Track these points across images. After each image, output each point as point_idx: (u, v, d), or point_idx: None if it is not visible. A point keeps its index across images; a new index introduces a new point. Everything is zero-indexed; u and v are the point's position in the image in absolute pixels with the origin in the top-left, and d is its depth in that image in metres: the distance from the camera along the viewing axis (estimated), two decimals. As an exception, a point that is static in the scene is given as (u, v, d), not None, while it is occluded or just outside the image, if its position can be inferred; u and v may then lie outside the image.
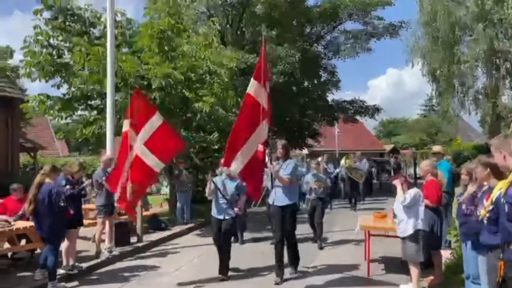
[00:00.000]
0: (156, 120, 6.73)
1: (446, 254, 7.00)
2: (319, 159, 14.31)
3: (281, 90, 17.87)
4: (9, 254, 7.81)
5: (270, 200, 6.82)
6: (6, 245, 7.44)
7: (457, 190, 6.67)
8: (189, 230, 11.43)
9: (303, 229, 9.47)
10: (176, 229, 11.23)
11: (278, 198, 6.57)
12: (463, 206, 5.00)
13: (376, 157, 27.40)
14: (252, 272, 7.37)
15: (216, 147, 13.77)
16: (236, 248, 8.32)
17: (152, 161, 6.71)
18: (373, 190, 19.51)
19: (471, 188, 4.96)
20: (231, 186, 7.04)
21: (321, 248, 9.02)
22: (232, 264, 7.14)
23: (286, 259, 6.87)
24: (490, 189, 4.00)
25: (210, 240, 8.03)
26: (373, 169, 20.49)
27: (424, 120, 59.10)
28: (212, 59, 11.81)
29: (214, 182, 6.94)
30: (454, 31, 16.75)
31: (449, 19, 16.38)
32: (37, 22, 11.08)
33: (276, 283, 6.37)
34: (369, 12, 20.99)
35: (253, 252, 9.07)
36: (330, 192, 14.63)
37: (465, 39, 17.48)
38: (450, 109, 18.65)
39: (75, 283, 6.91)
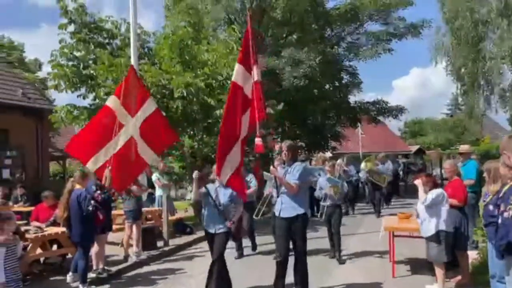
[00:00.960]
0: (148, 106, 6.12)
1: (472, 255, 6.92)
2: (339, 161, 13.23)
3: (302, 93, 17.93)
4: (42, 259, 7.93)
5: (276, 211, 5.73)
6: (39, 250, 7.51)
7: (484, 190, 6.57)
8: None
9: (317, 241, 8.97)
10: (201, 233, 11.30)
11: (284, 208, 5.45)
12: (490, 207, 4.95)
13: (400, 158, 26.94)
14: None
15: None
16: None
17: (142, 149, 6.05)
18: (400, 192, 19.08)
19: (495, 188, 4.91)
20: (224, 195, 5.82)
21: (341, 262, 7.89)
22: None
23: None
24: None
25: (233, 243, 8.02)
26: (400, 171, 20.05)
27: (450, 119, 58.11)
28: (232, 65, 11.94)
29: (206, 187, 5.85)
30: (477, 28, 16.38)
31: (472, 17, 16.02)
32: (63, 36, 11.47)
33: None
34: (390, 13, 20.72)
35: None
36: (353, 196, 14.26)
37: (489, 36, 17.05)
38: (475, 108, 18.26)
39: (106, 286, 7.03)
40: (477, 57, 16.75)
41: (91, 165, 5.76)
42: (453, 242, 6.26)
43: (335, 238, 8.02)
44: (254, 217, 8.87)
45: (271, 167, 5.64)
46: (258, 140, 5.06)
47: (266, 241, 9.41)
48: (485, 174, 5.37)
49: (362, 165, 14.45)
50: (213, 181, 6.18)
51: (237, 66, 5.38)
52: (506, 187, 4.07)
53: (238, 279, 6.33)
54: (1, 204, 6.85)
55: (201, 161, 12.58)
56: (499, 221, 4.37)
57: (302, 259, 5.59)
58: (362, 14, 20.55)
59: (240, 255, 8.67)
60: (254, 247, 9.13)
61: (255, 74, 5.33)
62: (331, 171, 8.55)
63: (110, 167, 5.59)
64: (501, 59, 16.33)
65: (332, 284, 6.75)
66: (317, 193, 8.44)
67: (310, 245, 7.47)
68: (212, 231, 5.74)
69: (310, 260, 6.75)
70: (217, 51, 12.09)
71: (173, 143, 7.69)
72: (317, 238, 9.40)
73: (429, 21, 19.72)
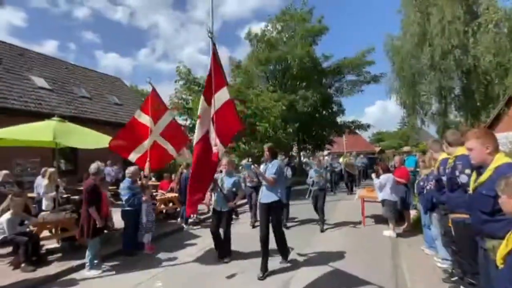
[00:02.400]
0: (167, 117, 5.51)
1: (413, 213, 6.61)
2: (324, 157, 12.54)
3: (310, 116, 17.97)
4: (164, 211, 7.92)
5: (259, 198, 4.53)
6: (162, 206, 7.67)
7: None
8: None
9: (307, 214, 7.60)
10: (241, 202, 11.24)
11: (264, 196, 4.32)
12: (421, 183, 4.78)
13: (369, 155, 26.03)
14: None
15: None
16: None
17: (168, 147, 5.54)
18: (368, 176, 18.19)
19: (425, 172, 4.71)
20: (228, 183, 4.84)
21: (322, 231, 6.30)
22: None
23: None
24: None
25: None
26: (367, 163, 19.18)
27: (400, 131, 56.20)
28: (267, 100, 12.06)
29: (215, 179, 4.70)
30: (415, 76, 16.21)
31: (411, 70, 15.98)
32: (176, 86, 11.99)
33: (259, 278, 4.05)
34: (361, 69, 20.35)
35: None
36: (337, 180, 13.28)
37: (422, 81, 16.90)
38: (415, 124, 17.87)
39: (198, 226, 7.14)
40: (415, 94, 16.34)
41: (132, 157, 5.30)
42: (400, 205, 6.05)
43: (320, 213, 6.50)
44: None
45: (254, 166, 4.54)
46: (215, 149, 3.47)
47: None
48: (420, 163, 5.14)
49: (341, 159, 14.10)
50: (221, 171, 5.16)
51: (202, 98, 3.74)
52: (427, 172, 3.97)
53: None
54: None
55: (249, 158, 12.48)
56: (424, 191, 4.23)
57: (279, 231, 4.39)
58: (344, 70, 20.31)
59: (254, 222, 7.07)
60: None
61: (227, 93, 3.82)
62: (318, 165, 6.97)
63: (148, 159, 5.22)
64: (430, 95, 16.06)
65: (326, 233, 6.57)
66: (308, 181, 6.82)
67: (305, 215, 7.25)
68: (218, 209, 4.77)
69: (304, 227, 6.73)
70: (259, 94, 12.23)
71: (185, 144, 6.70)
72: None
73: (384, 74, 19.56)
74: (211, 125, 3.61)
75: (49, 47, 78.04)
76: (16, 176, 8.40)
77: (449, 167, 2.95)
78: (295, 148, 19.94)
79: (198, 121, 3.74)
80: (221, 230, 4.81)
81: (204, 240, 5.93)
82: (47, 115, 7.32)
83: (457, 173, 2.78)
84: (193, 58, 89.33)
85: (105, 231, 4.94)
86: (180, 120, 12.18)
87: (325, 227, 6.54)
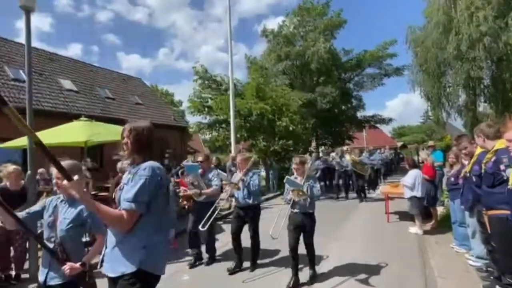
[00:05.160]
0: None
1: (440, 209, 6.36)
2: (329, 153, 10.40)
3: (329, 112, 17.59)
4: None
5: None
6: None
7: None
8: (277, 195, 11.13)
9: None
10: (270, 194, 11.38)
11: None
12: (452, 179, 4.57)
13: (389, 150, 25.17)
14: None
15: (291, 148, 12.90)
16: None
17: None
18: (392, 171, 16.54)
19: (456, 167, 4.50)
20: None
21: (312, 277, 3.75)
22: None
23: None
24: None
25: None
26: (391, 158, 17.50)
27: (423, 125, 54.23)
28: (285, 97, 11.97)
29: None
30: (440, 67, 15.40)
31: (436, 61, 15.28)
32: (194, 85, 12.15)
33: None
34: (382, 61, 19.77)
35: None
36: (347, 183, 9.97)
37: (448, 72, 16.19)
38: (440, 118, 17.10)
39: (221, 222, 7.08)
40: (440, 86, 15.67)
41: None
42: (429, 201, 5.84)
43: (309, 250, 3.75)
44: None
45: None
46: None
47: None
48: (450, 158, 4.91)
49: (347, 157, 9.71)
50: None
51: None
52: (469, 166, 3.74)
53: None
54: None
55: (269, 154, 12.46)
56: (461, 188, 4.00)
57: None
58: (363, 64, 19.71)
59: None
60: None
61: None
62: (298, 170, 3.91)
63: None
64: (457, 87, 15.22)
65: (348, 227, 6.45)
66: (284, 197, 4.02)
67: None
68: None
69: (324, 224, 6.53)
70: (276, 91, 12.15)
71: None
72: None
73: (407, 66, 18.85)
74: None
75: (74, 50, 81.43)
76: (50, 174, 8.85)
77: (487, 161, 2.79)
78: (313, 144, 19.70)
79: None
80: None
81: (227, 235, 6.00)
82: (75, 116, 7.71)
83: (502, 167, 2.63)
84: (211, 55, 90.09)
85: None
86: (200, 118, 12.36)
87: (347, 224, 6.41)
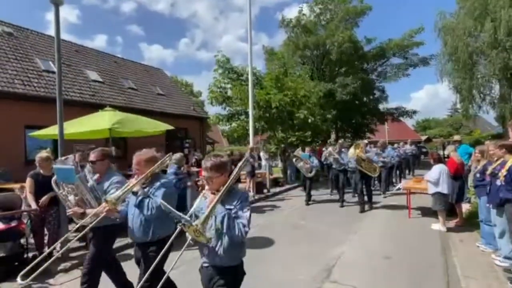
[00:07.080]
0: None
1: (466, 206, 6.09)
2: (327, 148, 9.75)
3: (349, 104, 17.02)
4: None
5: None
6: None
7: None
8: (295, 187, 11.21)
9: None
10: (287, 186, 11.41)
11: None
12: (478, 175, 4.34)
13: (411, 144, 23.98)
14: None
15: (309, 140, 12.85)
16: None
17: None
18: (416, 166, 14.38)
19: (482, 163, 4.28)
20: None
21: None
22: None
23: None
24: (504, 162, 3.47)
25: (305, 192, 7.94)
26: (414, 151, 14.21)
27: (450, 118, 51.56)
28: (305, 88, 11.74)
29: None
30: (472, 57, 14.53)
31: (467, 50, 14.34)
32: (215, 75, 12.13)
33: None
34: (408, 51, 18.84)
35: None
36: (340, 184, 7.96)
37: (481, 62, 15.18)
38: (469, 111, 16.16)
39: None
40: (472, 77, 14.73)
41: None
42: (454, 198, 5.60)
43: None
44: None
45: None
46: None
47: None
48: (476, 154, 4.68)
49: (350, 151, 7.23)
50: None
51: None
52: (497, 163, 3.55)
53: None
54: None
55: (287, 146, 12.31)
56: (489, 186, 3.81)
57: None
58: (387, 53, 18.91)
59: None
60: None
61: None
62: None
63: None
64: (491, 77, 14.38)
65: (367, 221, 6.36)
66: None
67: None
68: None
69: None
70: (296, 82, 11.93)
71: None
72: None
73: (435, 55, 17.84)
74: None
75: (99, 42, 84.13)
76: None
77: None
78: (333, 136, 19.30)
79: None
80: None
81: (256, 220, 6.15)
82: (100, 106, 8.02)
83: None
84: (232, 46, 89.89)
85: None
86: (219, 109, 12.42)
87: (367, 217, 6.34)
